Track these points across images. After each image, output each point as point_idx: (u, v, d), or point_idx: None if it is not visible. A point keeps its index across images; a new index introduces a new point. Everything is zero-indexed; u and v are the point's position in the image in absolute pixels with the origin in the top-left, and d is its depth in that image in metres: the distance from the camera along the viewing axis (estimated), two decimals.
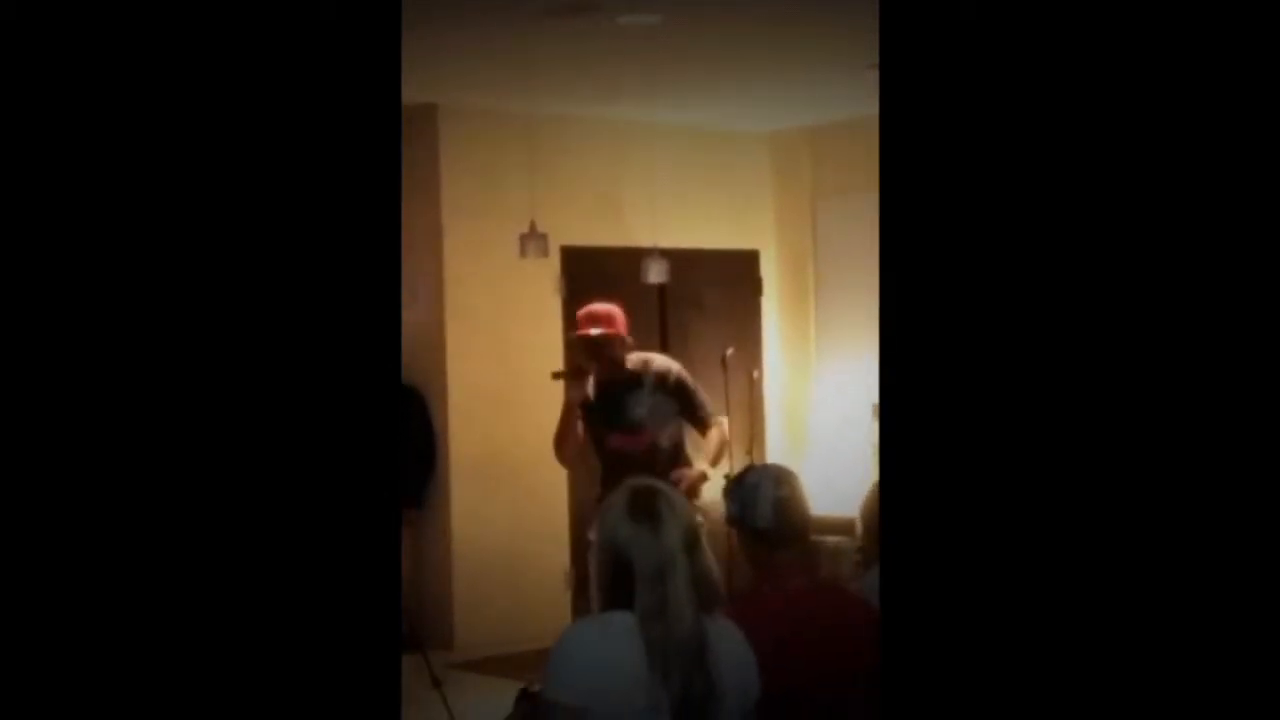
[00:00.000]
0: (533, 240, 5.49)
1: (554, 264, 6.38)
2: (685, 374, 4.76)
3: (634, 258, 5.86)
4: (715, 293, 7.09)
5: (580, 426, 4.73)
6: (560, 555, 6.58)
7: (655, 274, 5.46)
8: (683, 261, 6.62)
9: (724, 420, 4.90)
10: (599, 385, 4.68)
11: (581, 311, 4.81)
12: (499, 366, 6.45)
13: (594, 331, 4.68)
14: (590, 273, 6.51)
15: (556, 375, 4.79)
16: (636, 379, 4.66)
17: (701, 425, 4.77)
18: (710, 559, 2.45)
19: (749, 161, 7.38)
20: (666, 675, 2.29)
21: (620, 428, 4.66)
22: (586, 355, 4.74)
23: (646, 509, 2.42)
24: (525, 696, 2.59)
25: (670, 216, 6.83)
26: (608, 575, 2.43)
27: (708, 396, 4.85)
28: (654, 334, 6.35)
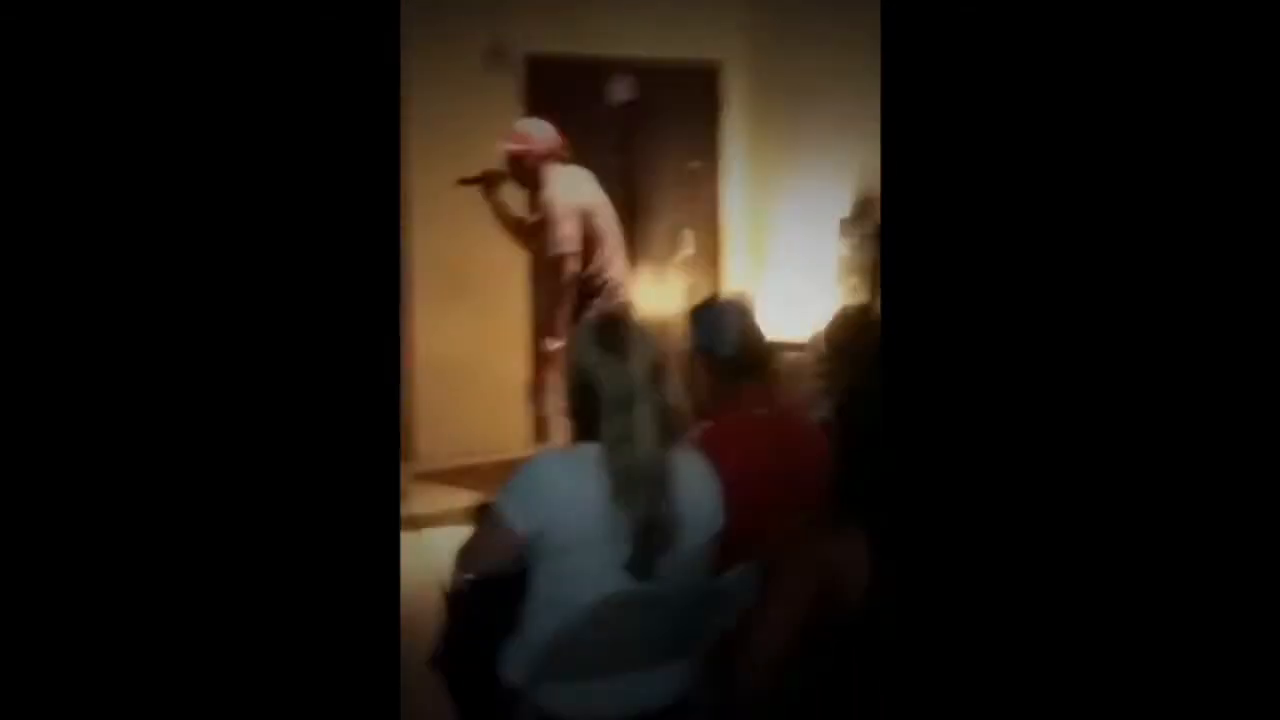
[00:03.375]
0: (495, 54, 5.41)
1: (512, 58, 6.25)
2: (547, 196, 4.94)
3: (599, 69, 5.75)
4: (678, 105, 7.00)
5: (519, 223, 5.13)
6: (522, 366, 6.62)
7: (621, 92, 5.42)
8: (647, 73, 6.51)
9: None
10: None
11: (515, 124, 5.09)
12: (460, 174, 6.38)
13: (509, 147, 5.03)
14: (554, 83, 6.40)
15: (461, 182, 5.15)
16: (540, 192, 4.99)
17: None
18: (677, 389, 2.47)
19: None
20: (629, 503, 2.32)
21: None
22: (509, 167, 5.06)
23: (613, 338, 2.43)
24: (484, 511, 2.62)
25: (637, 25, 6.69)
26: (577, 403, 2.45)
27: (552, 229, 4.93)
28: (617, 148, 6.27)
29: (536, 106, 6.22)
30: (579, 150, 5.30)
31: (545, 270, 4.99)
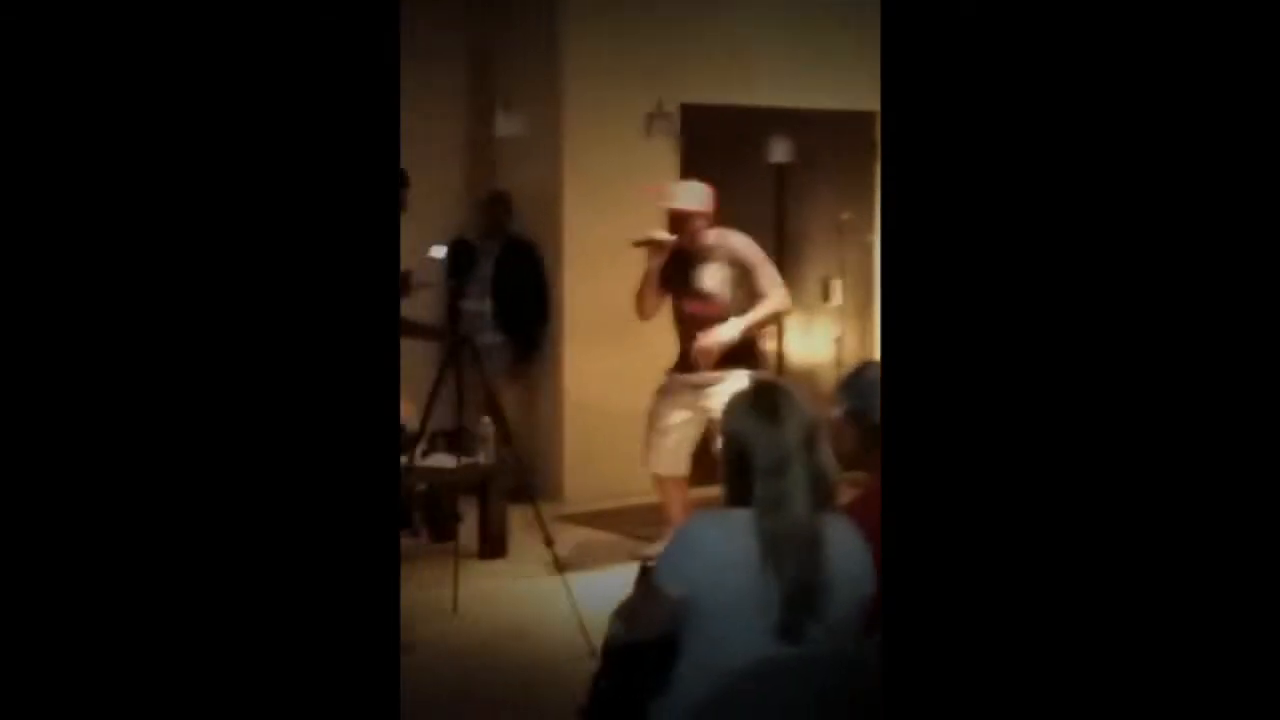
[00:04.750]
0: (659, 119, 5.52)
1: (673, 122, 6.35)
2: (755, 252, 5.13)
3: (752, 118, 5.78)
4: (832, 155, 7.01)
5: (657, 290, 5.21)
6: None
7: (779, 154, 5.52)
8: (800, 122, 6.53)
9: (783, 294, 5.13)
10: (679, 255, 5.10)
11: (672, 185, 5.19)
12: (614, 226, 6.47)
13: (678, 206, 5.09)
14: (709, 133, 6.47)
15: (637, 243, 5.15)
16: (711, 253, 5.09)
17: (760, 296, 5.13)
18: (829, 456, 2.49)
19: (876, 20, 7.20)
20: (779, 568, 2.34)
21: (693, 295, 5.14)
22: (670, 227, 5.12)
23: (768, 405, 2.47)
24: (644, 572, 2.67)
25: (790, 75, 6.73)
26: (731, 468, 2.49)
27: (775, 274, 5.15)
28: (770, 197, 6.31)
29: (692, 157, 6.30)
30: (735, 199, 5.36)
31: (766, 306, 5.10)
